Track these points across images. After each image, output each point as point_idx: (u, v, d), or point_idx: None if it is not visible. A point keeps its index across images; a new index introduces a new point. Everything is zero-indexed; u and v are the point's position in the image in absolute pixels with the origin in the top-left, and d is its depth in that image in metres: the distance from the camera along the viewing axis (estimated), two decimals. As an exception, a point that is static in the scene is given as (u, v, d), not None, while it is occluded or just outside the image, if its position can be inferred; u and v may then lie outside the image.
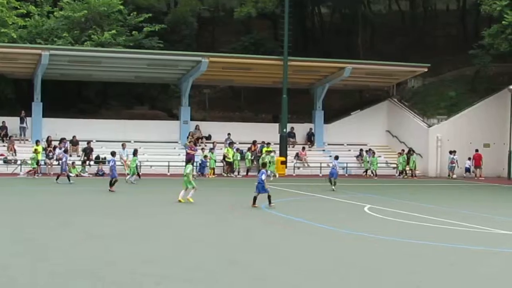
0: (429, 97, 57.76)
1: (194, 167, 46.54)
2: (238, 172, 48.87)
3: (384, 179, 48.76)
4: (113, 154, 36.65)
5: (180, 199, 29.91)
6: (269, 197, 28.96)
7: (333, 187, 37.27)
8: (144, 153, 48.66)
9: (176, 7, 65.19)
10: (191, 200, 29.87)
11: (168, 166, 47.27)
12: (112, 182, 34.59)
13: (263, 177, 29.12)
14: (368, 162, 50.68)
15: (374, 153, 51.15)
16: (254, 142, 50.29)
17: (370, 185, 42.64)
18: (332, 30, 72.10)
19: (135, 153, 40.25)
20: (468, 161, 51.58)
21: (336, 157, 40.20)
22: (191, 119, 53.23)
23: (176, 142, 51.63)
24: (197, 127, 52.61)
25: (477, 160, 51.60)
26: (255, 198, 29.01)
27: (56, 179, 39.46)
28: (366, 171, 50.88)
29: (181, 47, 57.00)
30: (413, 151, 52.26)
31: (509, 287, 15.77)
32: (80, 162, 46.71)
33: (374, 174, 49.45)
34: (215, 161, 47.79)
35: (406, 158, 50.92)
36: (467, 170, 51.57)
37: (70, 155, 47.35)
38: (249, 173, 48.05)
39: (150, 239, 20.66)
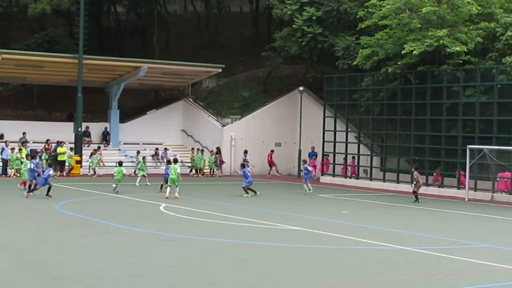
0: (223, 97, 58.91)
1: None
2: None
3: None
4: (33, 157, 35.48)
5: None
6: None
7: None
8: None
9: (-36, 1, 62.47)
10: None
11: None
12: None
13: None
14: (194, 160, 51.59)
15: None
16: (47, 141, 49.13)
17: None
18: (128, 29, 71.81)
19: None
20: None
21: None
22: (-19, 118, 51.26)
23: (-35, 142, 49.48)
24: (-13, 126, 50.73)
25: (269, 159, 53.17)
26: None
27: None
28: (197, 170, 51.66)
29: (-29, 42, 54.76)
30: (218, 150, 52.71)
31: (299, 280, 16.46)
32: None
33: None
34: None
35: (215, 158, 51.62)
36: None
37: None
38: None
39: None
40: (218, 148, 53.00)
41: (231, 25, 73.76)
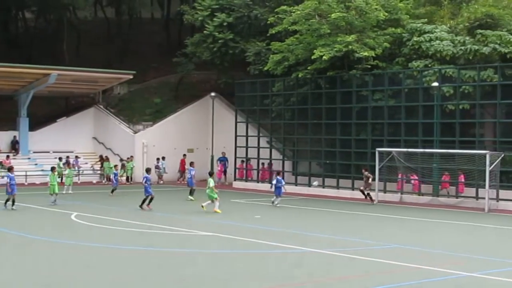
0: (135, 103, 58.51)
1: None
2: None
3: (90, 186, 48.67)
4: (147, 171, 34.79)
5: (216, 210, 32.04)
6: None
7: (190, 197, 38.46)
8: None
9: None
10: (219, 211, 31.96)
11: None
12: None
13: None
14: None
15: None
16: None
17: (77, 192, 42.04)
18: (37, 35, 70.55)
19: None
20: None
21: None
22: None
23: None
24: None
25: (182, 165, 52.96)
26: None
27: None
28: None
29: None
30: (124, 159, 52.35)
31: (212, 286, 16.54)
32: None
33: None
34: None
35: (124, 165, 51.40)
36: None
37: None
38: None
39: None
40: (102, 156, 52.80)
41: (142, 32, 73.30)
